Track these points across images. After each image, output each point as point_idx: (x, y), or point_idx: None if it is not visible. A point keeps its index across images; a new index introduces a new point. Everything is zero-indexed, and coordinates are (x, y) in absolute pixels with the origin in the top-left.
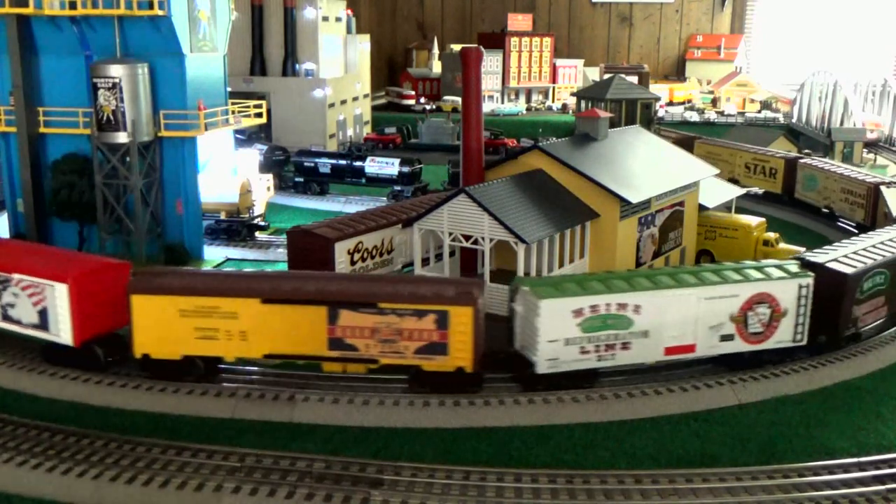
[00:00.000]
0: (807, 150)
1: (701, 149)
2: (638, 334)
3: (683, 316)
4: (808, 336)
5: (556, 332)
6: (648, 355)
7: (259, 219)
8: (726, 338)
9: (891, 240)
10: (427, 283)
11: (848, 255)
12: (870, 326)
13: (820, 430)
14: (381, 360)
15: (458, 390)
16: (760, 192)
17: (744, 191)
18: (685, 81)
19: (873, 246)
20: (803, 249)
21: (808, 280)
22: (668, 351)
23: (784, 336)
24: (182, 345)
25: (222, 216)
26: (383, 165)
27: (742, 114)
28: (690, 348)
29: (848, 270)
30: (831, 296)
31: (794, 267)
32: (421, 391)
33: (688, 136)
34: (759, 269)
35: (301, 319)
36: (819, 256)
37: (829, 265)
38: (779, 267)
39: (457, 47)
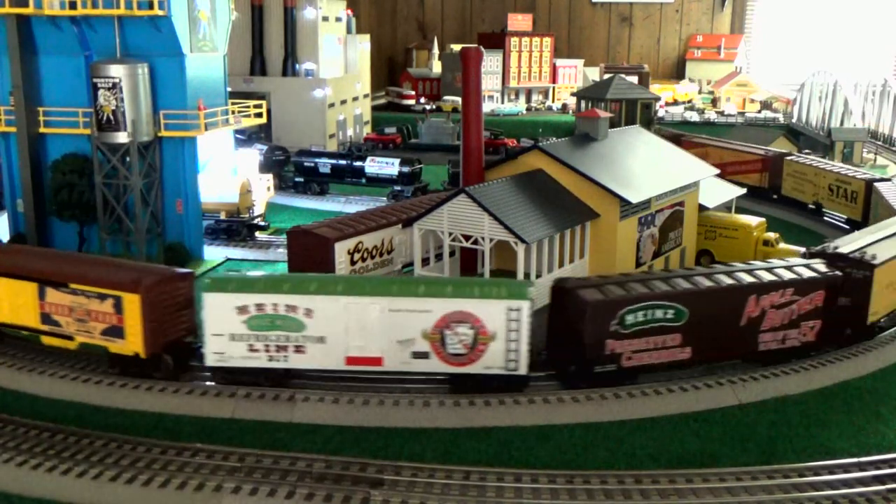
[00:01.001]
0: (807, 150)
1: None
2: (312, 339)
3: (365, 326)
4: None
5: (220, 326)
6: (328, 362)
7: (259, 219)
8: (420, 355)
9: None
10: (116, 267)
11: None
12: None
13: (820, 430)
14: (77, 338)
15: (146, 376)
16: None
17: (744, 191)
18: (678, 83)
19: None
20: (803, 249)
21: (521, 304)
22: (351, 360)
23: (495, 362)
24: None
25: (222, 216)
26: (383, 165)
27: (742, 114)
28: (377, 361)
29: (589, 297)
30: (575, 321)
31: (506, 289)
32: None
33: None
34: (460, 286)
35: (20, 293)
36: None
37: (579, 291)
38: (490, 286)
39: (457, 47)
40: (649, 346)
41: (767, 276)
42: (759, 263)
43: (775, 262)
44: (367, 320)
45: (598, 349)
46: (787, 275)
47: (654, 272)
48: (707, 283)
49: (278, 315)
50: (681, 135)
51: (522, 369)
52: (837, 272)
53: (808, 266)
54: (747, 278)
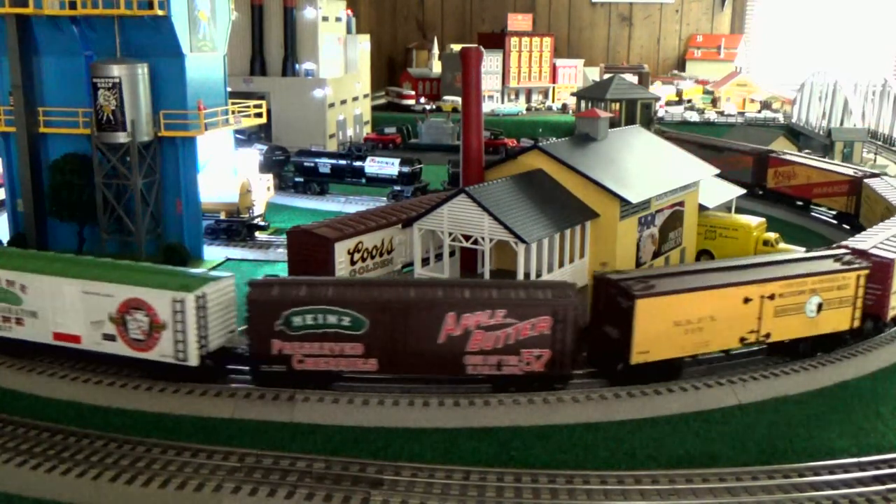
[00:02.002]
0: (807, 150)
1: None
2: (27, 313)
3: (67, 305)
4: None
5: None
6: (38, 335)
7: (259, 219)
8: (109, 337)
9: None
10: None
11: None
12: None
13: (820, 430)
14: None
15: None
16: None
17: (744, 191)
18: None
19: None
20: (804, 249)
21: (185, 296)
22: (57, 336)
23: (166, 350)
24: None
25: (222, 216)
26: (383, 165)
27: (742, 114)
28: (76, 338)
29: (255, 296)
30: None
31: (175, 281)
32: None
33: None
34: (137, 273)
35: None
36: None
37: (254, 287)
38: (163, 276)
39: (457, 47)
40: (324, 352)
41: (475, 294)
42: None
43: (538, 282)
44: (66, 300)
45: (264, 347)
46: (498, 294)
47: (353, 279)
48: (392, 293)
49: (2, 288)
50: (769, 152)
51: (192, 360)
52: (567, 295)
53: (539, 287)
54: (442, 293)
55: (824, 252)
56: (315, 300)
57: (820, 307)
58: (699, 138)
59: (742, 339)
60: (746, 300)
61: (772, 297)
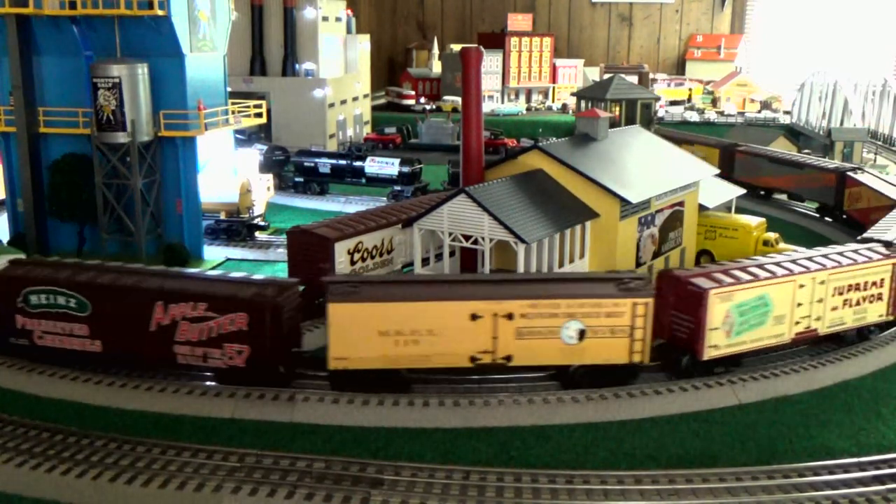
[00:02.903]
0: (807, 150)
1: None
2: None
3: None
4: None
5: None
6: None
7: (259, 219)
8: None
9: None
10: None
11: None
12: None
13: (820, 430)
14: None
15: None
16: None
17: (744, 191)
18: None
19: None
20: (803, 249)
21: None
22: None
23: None
24: None
25: (222, 216)
26: (383, 165)
27: (742, 114)
28: None
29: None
30: None
31: None
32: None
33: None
34: None
35: None
36: None
37: None
38: None
39: (457, 47)
40: (58, 331)
41: (182, 285)
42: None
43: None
44: None
45: (10, 322)
46: (201, 289)
47: (93, 263)
48: (111, 279)
49: None
50: (852, 169)
51: None
52: (265, 294)
53: (244, 283)
54: (154, 283)
55: (610, 275)
56: (49, 281)
57: (582, 334)
58: (769, 152)
59: (474, 359)
60: (474, 317)
61: (510, 316)
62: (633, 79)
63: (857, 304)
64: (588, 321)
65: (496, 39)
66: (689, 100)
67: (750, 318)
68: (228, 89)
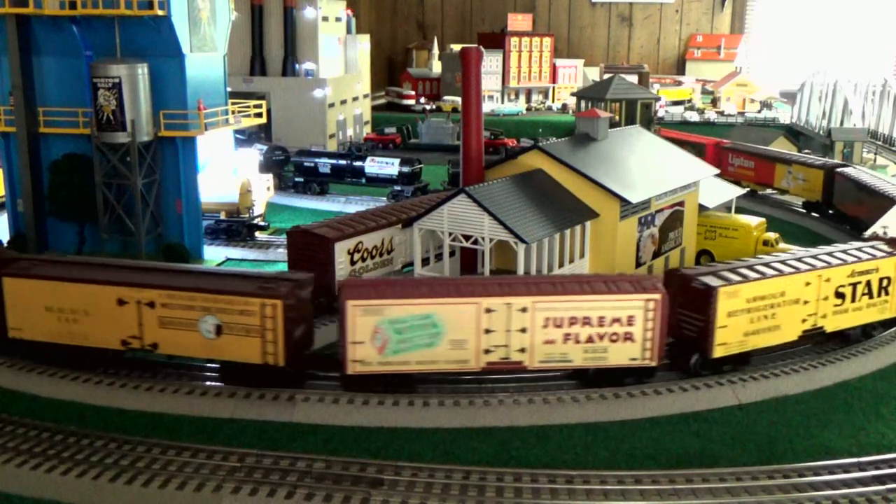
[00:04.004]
0: (807, 150)
1: None
2: None
3: None
4: None
5: None
6: None
7: (259, 219)
8: None
9: None
10: None
11: None
12: None
13: (820, 430)
14: None
15: None
16: None
17: (744, 191)
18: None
19: None
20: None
21: None
22: None
23: None
24: None
25: (222, 216)
26: (383, 165)
27: (742, 114)
28: None
29: None
30: None
31: None
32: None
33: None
34: None
35: None
36: None
37: None
38: None
39: (457, 47)
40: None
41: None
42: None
43: None
44: None
45: None
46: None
47: None
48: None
49: None
50: None
51: None
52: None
53: None
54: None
55: (255, 273)
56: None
57: (219, 329)
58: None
59: (125, 343)
60: (121, 302)
61: (151, 304)
62: (633, 79)
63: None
64: (223, 317)
65: (496, 39)
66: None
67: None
68: (228, 89)
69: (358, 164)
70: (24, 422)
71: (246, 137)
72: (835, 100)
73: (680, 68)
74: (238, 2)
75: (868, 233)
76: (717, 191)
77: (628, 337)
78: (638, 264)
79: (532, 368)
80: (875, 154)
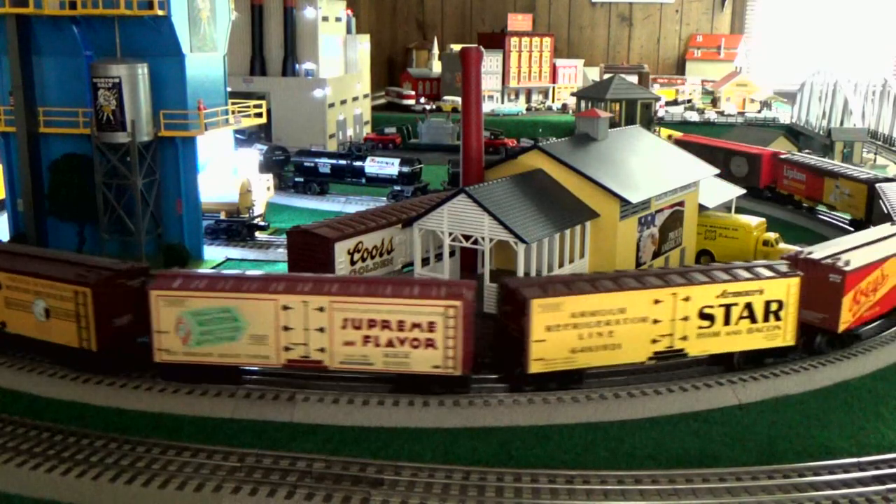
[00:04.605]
0: (807, 150)
1: None
2: None
3: None
4: None
5: None
6: None
7: (259, 219)
8: None
9: None
10: None
11: None
12: None
13: (820, 430)
14: None
15: None
16: None
17: (744, 191)
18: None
19: None
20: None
21: None
22: None
23: None
24: None
25: (222, 216)
26: (383, 165)
27: (742, 114)
28: None
29: None
30: None
31: None
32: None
33: None
34: None
35: None
36: None
37: None
38: None
39: (457, 47)
40: None
41: None
42: None
43: None
44: None
45: None
46: None
47: None
48: None
49: None
50: None
51: None
52: None
53: None
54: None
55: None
56: None
57: (48, 312)
58: None
59: None
60: None
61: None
62: (633, 79)
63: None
64: (50, 301)
65: (496, 39)
66: (690, 100)
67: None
68: (228, 89)
69: (358, 164)
70: (24, 422)
71: (246, 137)
72: (835, 100)
73: (680, 68)
74: (238, 2)
75: (791, 252)
76: (717, 191)
77: (430, 343)
78: (638, 264)
79: (333, 369)
80: (875, 154)
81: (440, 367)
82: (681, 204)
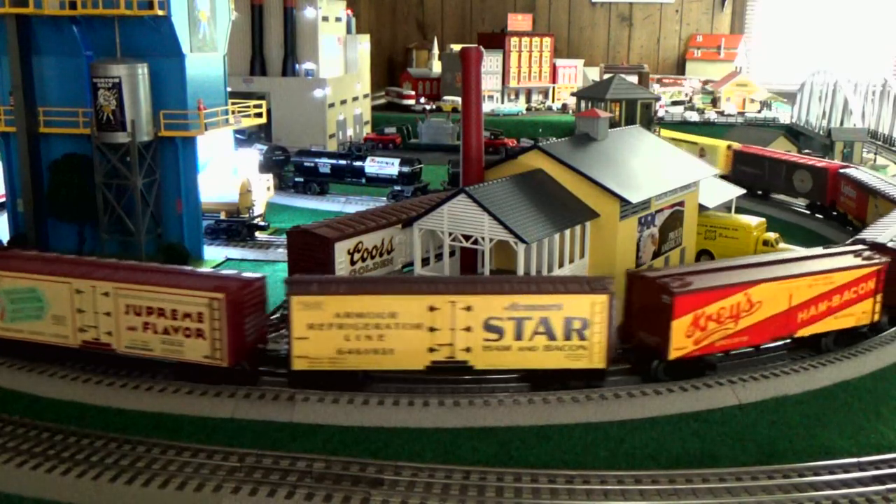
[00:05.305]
0: (807, 150)
1: None
2: None
3: None
4: None
5: None
6: None
7: (259, 219)
8: None
9: None
10: None
11: None
12: None
13: (820, 430)
14: None
15: None
16: None
17: (744, 191)
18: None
19: None
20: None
21: None
22: None
23: None
24: None
25: (222, 216)
26: (383, 165)
27: (742, 114)
28: None
29: None
30: None
31: None
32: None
33: None
34: None
35: None
36: None
37: None
38: None
39: (457, 47)
40: None
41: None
42: None
43: None
44: None
45: None
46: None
47: None
48: None
49: None
50: None
51: None
52: None
53: None
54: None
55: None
56: None
57: None
58: None
59: None
60: None
61: None
62: (633, 79)
63: None
64: None
65: (496, 39)
66: (690, 100)
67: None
68: (228, 89)
69: (358, 164)
70: (24, 422)
71: (246, 137)
72: (835, 100)
73: (680, 68)
74: (238, 2)
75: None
76: (717, 191)
77: (200, 334)
78: (638, 264)
79: (121, 352)
80: (875, 154)
81: (209, 357)
82: (681, 204)
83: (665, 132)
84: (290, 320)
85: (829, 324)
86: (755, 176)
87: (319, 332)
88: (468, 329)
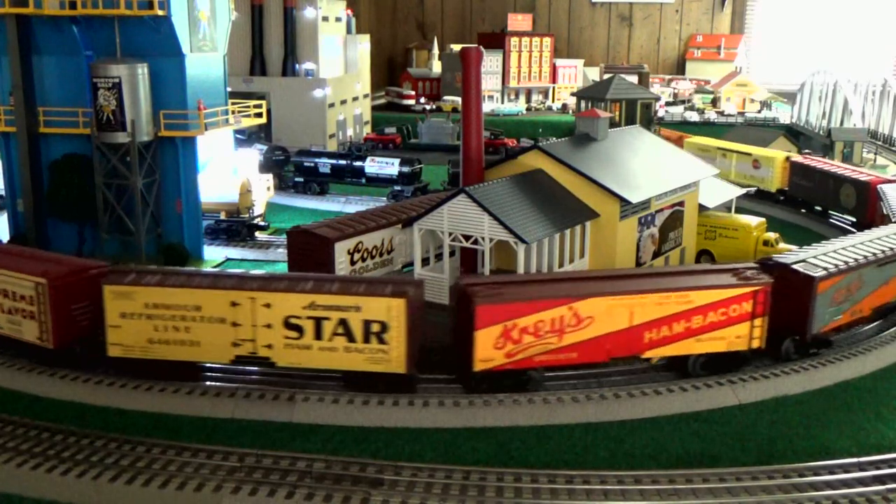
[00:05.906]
0: (807, 150)
1: None
2: None
3: None
4: None
5: None
6: None
7: (259, 219)
8: None
9: None
10: None
11: None
12: None
13: (820, 430)
14: None
15: None
16: None
17: (744, 191)
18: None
19: None
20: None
21: None
22: None
23: None
24: None
25: (222, 216)
26: (383, 165)
27: (742, 114)
28: None
29: None
30: None
31: None
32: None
33: None
34: None
35: None
36: None
37: None
38: None
39: (457, 47)
40: None
41: None
42: None
43: None
44: None
45: None
46: None
47: None
48: None
49: None
50: None
51: None
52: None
53: None
54: None
55: None
56: None
57: None
58: None
59: None
60: None
61: None
62: (633, 79)
63: None
64: None
65: (496, 39)
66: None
67: None
68: (228, 89)
69: (358, 164)
70: (24, 422)
71: (246, 137)
72: (835, 100)
73: (680, 68)
74: (238, 2)
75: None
76: (717, 191)
77: (32, 315)
78: (638, 264)
79: None
80: (875, 154)
81: (41, 339)
82: (681, 204)
83: (709, 141)
84: (104, 309)
85: (689, 346)
86: (808, 189)
87: (131, 321)
88: (269, 326)
